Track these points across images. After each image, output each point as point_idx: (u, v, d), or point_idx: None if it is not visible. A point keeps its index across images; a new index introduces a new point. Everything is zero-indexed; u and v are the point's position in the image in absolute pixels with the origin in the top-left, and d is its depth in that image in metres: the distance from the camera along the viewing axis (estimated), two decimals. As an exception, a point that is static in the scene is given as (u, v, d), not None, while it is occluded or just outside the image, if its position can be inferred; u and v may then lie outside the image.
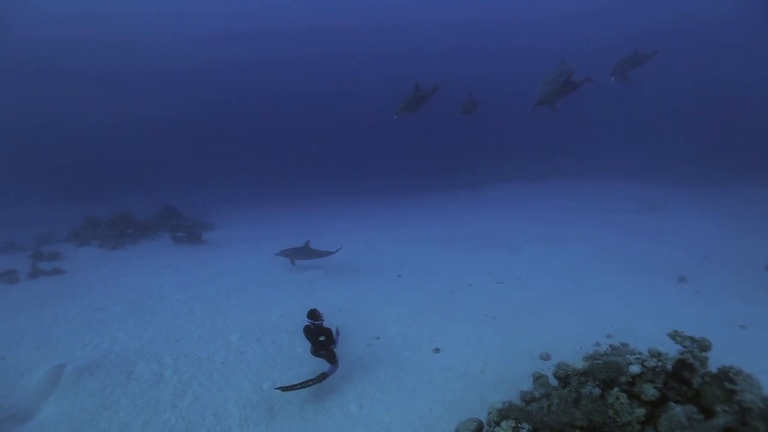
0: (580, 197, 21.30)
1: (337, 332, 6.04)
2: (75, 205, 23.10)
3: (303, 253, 11.60)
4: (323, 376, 5.52)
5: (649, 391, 3.48)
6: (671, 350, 3.93)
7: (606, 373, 3.72)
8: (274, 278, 10.68)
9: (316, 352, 5.60)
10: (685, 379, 3.55)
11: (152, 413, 5.10)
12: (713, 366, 3.65)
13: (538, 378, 5.01)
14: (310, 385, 5.32)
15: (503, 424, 3.69)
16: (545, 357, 6.10)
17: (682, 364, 3.60)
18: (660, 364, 3.54)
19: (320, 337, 5.48)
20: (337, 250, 11.83)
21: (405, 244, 14.06)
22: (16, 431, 4.88)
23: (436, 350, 6.55)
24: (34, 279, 10.47)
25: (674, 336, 3.80)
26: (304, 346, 6.75)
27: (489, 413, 4.12)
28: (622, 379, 3.63)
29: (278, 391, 5.20)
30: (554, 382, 4.83)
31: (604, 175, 25.10)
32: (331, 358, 5.60)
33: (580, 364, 4.25)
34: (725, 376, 3.38)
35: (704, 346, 3.68)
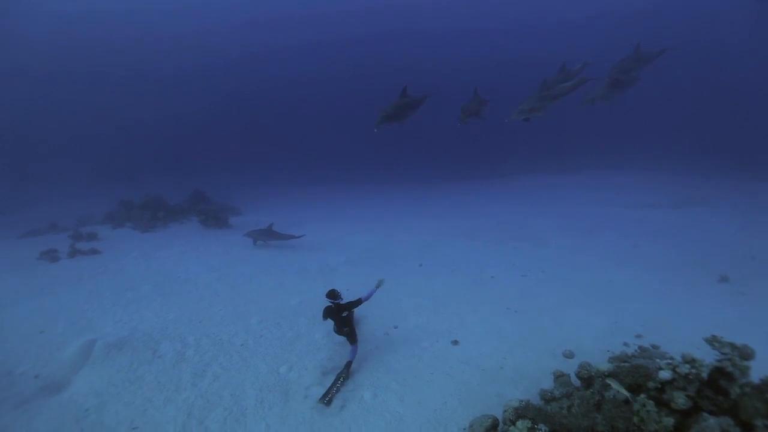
0: (612, 190, 20.33)
1: (378, 285, 5.90)
2: (113, 188, 24.27)
3: (266, 234, 12.53)
4: (348, 365, 5.61)
5: (680, 400, 3.23)
6: (708, 356, 3.63)
7: (633, 377, 3.48)
8: (296, 264, 10.80)
9: (339, 330, 5.65)
10: (721, 389, 3.26)
11: (174, 390, 5.28)
12: (756, 376, 3.35)
13: (559, 377, 4.81)
14: (343, 380, 5.40)
15: (519, 423, 3.54)
16: (569, 355, 5.86)
17: (719, 372, 3.31)
18: (694, 371, 3.27)
19: (343, 314, 5.53)
20: (300, 236, 12.70)
21: (429, 234, 13.89)
22: (51, 401, 5.16)
23: (455, 342, 6.42)
24: (72, 258, 11.07)
25: (712, 341, 3.50)
26: (321, 332, 6.82)
27: (505, 411, 3.97)
28: (651, 384, 3.38)
29: (323, 404, 4.97)
30: (576, 382, 4.62)
31: (638, 167, 23.84)
32: (353, 337, 5.70)
33: (605, 366, 4.02)
34: (769, 387, 3.08)
35: (746, 354, 3.36)
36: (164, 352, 6.20)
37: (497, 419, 4.18)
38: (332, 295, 5.51)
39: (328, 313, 5.55)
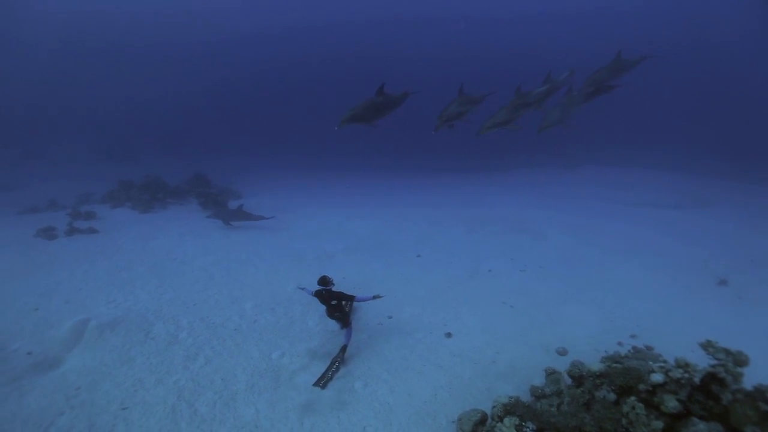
0: (615, 187, 20.14)
1: (375, 297, 5.60)
2: (114, 167, 24.22)
3: (236, 215, 12.65)
4: (344, 350, 5.66)
5: (670, 403, 3.19)
6: (701, 360, 3.59)
7: (624, 378, 3.44)
8: (293, 250, 10.77)
9: (330, 314, 5.67)
10: (713, 394, 3.22)
11: (165, 372, 5.29)
12: (749, 382, 3.30)
13: (551, 374, 4.79)
14: (338, 365, 5.46)
15: (506, 420, 3.52)
16: (562, 352, 5.84)
17: (711, 378, 3.27)
18: (686, 375, 3.22)
19: (332, 302, 5.52)
20: (270, 218, 12.94)
21: (428, 224, 13.82)
22: (43, 378, 5.18)
23: (449, 335, 6.41)
24: (70, 236, 11.05)
25: (707, 346, 3.45)
26: (315, 318, 6.82)
27: (493, 407, 3.96)
28: (642, 387, 3.34)
29: (318, 387, 5.07)
30: (568, 380, 4.60)
31: (643, 165, 23.55)
32: (345, 321, 5.71)
33: (596, 366, 3.99)
34: (761, 395, 3.03)
35: (740, 360, 3.31)
36: (157, 333, 6.20)
37: (486, 414, 4.17)
38: (323, 281, 5.50)
39: (318, 296, 5.57)
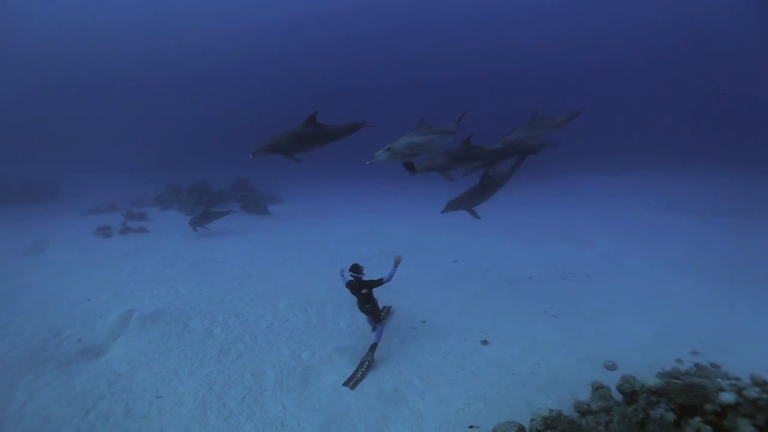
0: (672, 193, 18.61)
1: (396, 263, 5.67)
2: (167, 174, 25.91)
3: (203, 218, 12.48)
4: (373, 348, 5.54)
5: (746, 428, 2.73)
6: (783, 380, 3.07)
7: (686, 396, 3.00)
8: (328, 252, 10.83)
9: (362, 306, 5.59)
10: (800, 420, 2.73)
11: (198, 365, 5.39)
12: None
13: (598, 389, 4.35)
14: (368, 365, 5.37)
15: (546, 435, 3.19)
16: (611, 366, 5.33)
17: (797, 400, 2.77)
18: (765, 395, 2.75)
19: (363, 290, 5.44)
20: (230, 211, 13.56)
21: (465, 231, 13.40)
22: (90, 364, 5.46)
23: (485, 342, 6.07)
24: (123, 235, 11.87)
25: (790, 363, 2.94)
26: (346, 320, 6.74)
27: (532, 419, 3.62)
28: (708, 407, 2.89)
29: (347, 387, 4.97)
30: (618, 396, 4.15)
31: (704, 169, 21.57)
32: (376, 315, 5.61)
33: (652, 381, 3.54)
34: None
35: (835, 381, 2.79)
36: (194, 327, 6.38)
37: (524, 427, 3.83)
38: (355, 269, 5.47)
39: (350, 286, 5.53)
